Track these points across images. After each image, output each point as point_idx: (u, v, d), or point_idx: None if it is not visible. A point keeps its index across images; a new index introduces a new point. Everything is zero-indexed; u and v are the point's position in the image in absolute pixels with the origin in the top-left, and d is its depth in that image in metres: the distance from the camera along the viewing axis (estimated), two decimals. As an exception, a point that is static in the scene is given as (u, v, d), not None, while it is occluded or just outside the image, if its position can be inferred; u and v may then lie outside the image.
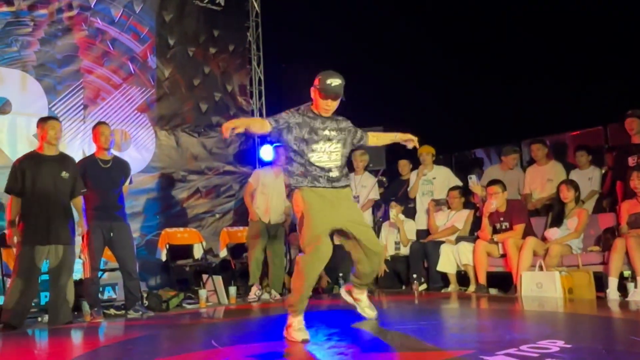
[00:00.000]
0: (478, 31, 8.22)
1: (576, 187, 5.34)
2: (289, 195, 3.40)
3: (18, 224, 4.44)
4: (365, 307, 3.73)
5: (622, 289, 4.59)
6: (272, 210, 5.95)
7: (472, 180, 6.08)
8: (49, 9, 6.20)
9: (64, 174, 4.59)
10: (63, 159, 4.71)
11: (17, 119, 5.88)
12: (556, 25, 7.72)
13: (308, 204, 3.24)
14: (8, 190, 4.49)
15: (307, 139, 3.31)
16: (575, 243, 5.14)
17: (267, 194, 5.94)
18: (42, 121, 4.67)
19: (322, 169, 3.34)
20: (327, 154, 3.36)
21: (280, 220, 6.05)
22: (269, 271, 6.03)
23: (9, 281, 4.81)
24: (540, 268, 4.97)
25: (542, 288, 4.85)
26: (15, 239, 4.40)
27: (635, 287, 4.45)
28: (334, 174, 3.38)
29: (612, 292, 4.56)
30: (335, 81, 3.29)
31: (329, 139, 3.38)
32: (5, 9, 5.90)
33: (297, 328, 3.13)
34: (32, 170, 4.47)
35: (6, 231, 4.57)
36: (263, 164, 7.45)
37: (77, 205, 4.75)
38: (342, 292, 3.81)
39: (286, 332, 3.17)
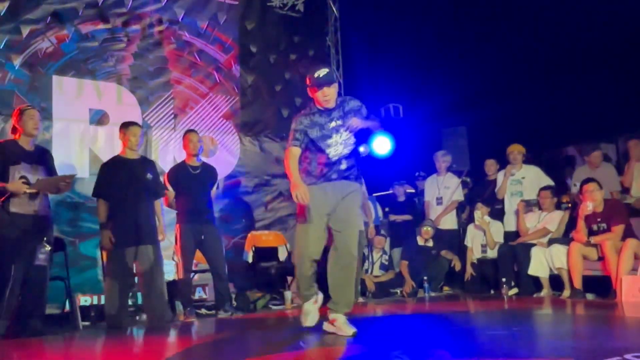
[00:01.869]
0: (569, 26, 7.82)
1: (682, 185, 4.93)
2: None
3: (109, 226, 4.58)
4: (342, 324, 3.42)
5: None
6: None
7: (577, 187, 5.74)
8: (141, 24, 6.57)
9: (148, 176, 4.75)
10: (145, 162, 4.91)
11: (114, 130, 6.23)
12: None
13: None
14: (96, 194, 4.67)
15: (319, 137, 3.43)
16: (683, 245, 4.76)
17: None
18: (124, 127, 4.81)
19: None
20: (342, 145, 3.46)
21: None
22: None
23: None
24: (644, 272, 4.63)
25: (645, 293, 4.52)
26: (109, 242, 4.51)
27: None
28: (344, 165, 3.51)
29: None
30: (322, 71, 3.38)
31: (337, 130, 3.44)
32: (101, 26, 6.30)
33: (343, 322, 3.36)
34: (118, 174, 4.64)
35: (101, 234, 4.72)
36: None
37: (157, 208, 4.86)
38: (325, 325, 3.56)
39: (331, 327, 3.37)
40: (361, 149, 7.62)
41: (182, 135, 5.57)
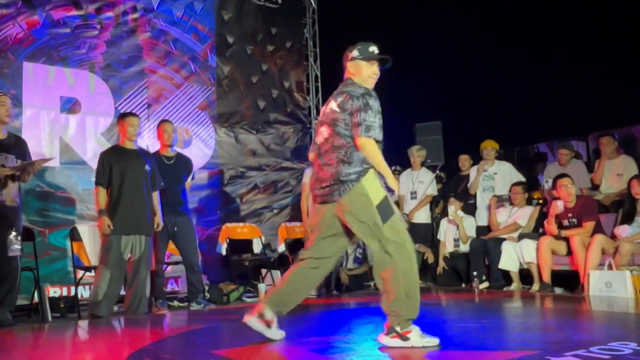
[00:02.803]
0: (542, 24, 7.93)
1: (649, 183, 5.06)
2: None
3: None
4: (276, 328, 3.04)
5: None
6: None
7: (549, 184, 5.84)
8: (114, 11, 6.45)
9: (146, 168, 4.73)
10: (143, 153, 4.88)
11: (86, 118, 6.15)
12: (621, 16, 7.34)
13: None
14: (97, 182, 4.62)
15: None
16: (648, 241, 4.89)
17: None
18: (121, 117, 4.82)
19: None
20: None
21: None
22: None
23: (79, 273, 5.04)
24: (610, 267, 4.75)
25: (611, 288, 4.65)
26: (107, 228, 4.48)
27: None
28: None
29: (690, 294, 4.30)
30: (377, 48, 2.95)
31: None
32: (74, 12, 6.17)
33: (419, 334, 2.76)
34: (118, 163, 4.61)
35: (98, 221, 4.68)
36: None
37: (155, 199, 4.84)
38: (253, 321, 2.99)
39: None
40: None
41: (155, 126, 5.50)
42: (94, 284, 4.55)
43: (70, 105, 6.08)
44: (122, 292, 4.79)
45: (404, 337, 2.75)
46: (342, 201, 2.87)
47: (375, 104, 2.88)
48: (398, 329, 2.76)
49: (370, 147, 2.84)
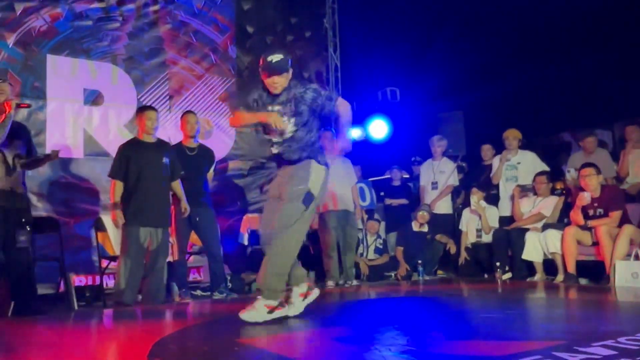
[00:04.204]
0: (565, 12, 7.76)
1: (677, 172, 4.95)
2: None
3: (122, 206, 4.61)
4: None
5: None
6: (338, 198, 5.90)
7: (571, 173, 5.76)
8: (136, 3, 6.49)
9: (165, 160, 4.77)
10: (162, 145, 4.90)
11: (109, 110, 6.21)
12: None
13: None
14: (112, 175, 4.68)
15: None
16: (676, 231, 4.79)
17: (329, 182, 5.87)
18: (140, 111, 4.87)
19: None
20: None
21: (350, 208, 5.99)
22: (342, 259, 6.03)
23: (104, 262, 5.12)
24: (636, 257, 4.67)
25: (638, 278, 4.57)
26: (120, 221, 4.57)
27: None
28: (276, 149, 3.40)
29: None
30: (276, 57, 3.26)
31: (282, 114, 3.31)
32: (96, 5, 6.23)
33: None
34: (135, 156, 4.65)
35: (111, 214, 4.78)
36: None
37: (177, 188, 4.89)
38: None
39: None
40: (357, 133, 7.62)
41: (177, 117, 5.54)
42: (116, 273, 4.63)
43: (93, 97, 6.15)
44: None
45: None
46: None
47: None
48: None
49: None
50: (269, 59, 3.26)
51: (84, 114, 6.06)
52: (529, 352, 2.30)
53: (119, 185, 4.62)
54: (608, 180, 5.89)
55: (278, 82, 3.31)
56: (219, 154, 6.63)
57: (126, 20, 6.42)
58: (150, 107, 4.93)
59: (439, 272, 6.75)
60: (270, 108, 3.37)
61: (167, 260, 5.41)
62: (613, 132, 7.55)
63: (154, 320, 3.95)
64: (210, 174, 5.37)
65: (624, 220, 5.05)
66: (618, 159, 6.09)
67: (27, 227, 4.21)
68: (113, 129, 6.22)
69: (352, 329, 3.12)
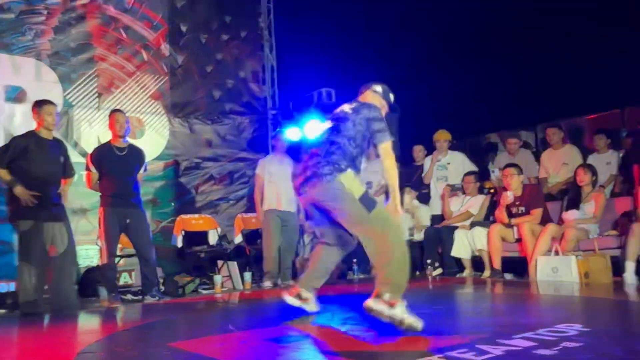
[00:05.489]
0: (491, 18, 8.10)
1: (593, 171, 5.28)
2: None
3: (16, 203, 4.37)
4: (314, 303, 3.44)
5: (640, 273, 4.56)
6: (282, 197, 5.91)
7: (496, 173, 6.02)
8: (62, -4, 6.22)
9: (61, 159, 4.60)
10: (59, 143, 4.69)
11: (33, 108, 5.91)
12: (571, 7, 7.58)
13: None
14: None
15: None
16: (592, 228, 5.10)
17: (275, 182, 5.89)
18: (37, 106, 4.54)
19: None
20: None
21: (292, 209, 6.03)
22: (282, 259, 6.03)
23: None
24: (556, 253, 4.94)
25: (557, 273, 4.83)
26: (24, 191, 4.31)
27: (653, 271, 4.42)
28: None
29: (629, 276, 4.52)
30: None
31: None
32: (18, -3, 5.93)
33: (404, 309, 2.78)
34: (32, 149, 4.42)
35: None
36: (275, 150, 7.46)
37: (66, 187, 4.69)
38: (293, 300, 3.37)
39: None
40: (293, 133, 7.64)
41: (107, 115, 5.35)
42: (18, 282, 4.36)
43: (15, 94, 5.84)
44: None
45: (390, 306, 2.76)
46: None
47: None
48: (387, 296, 2.79)
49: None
50: (391, 96, 3.49)
51: (5, 112, 5.76)
52: (454, 346, 2.39)
53: (5, 171, 4.37)
54: (531, 179, 6.21)
55: None
56: (151, 154, 6.48)
57: (52, 14, 6.15)
58: (48, 101, 4.64)
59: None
60: None
61: (96, 264, 5.25)
62: (536, 133, 7.95)
63: (81, 327, 3.81)
64: (141, 174, 5.22)
65: (545, 217, 5.33)
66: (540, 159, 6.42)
67: None
68: (37, 127, 5.92)
69: (286, 329, 3.13)
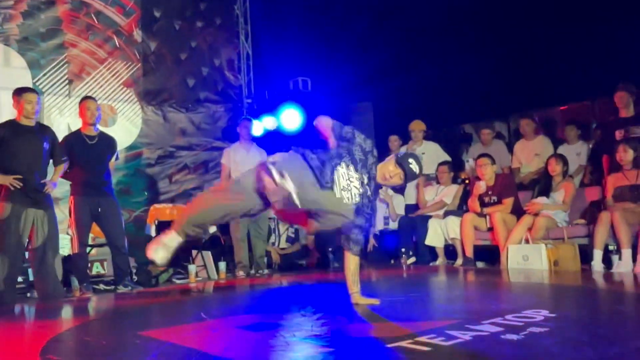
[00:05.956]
0: (466, 9, 8.14)
1: (564, 161, 5.37)
2: None
3: None
4: None
5: (607, 261, 4.66)
6: None
7: (470, 163, 6.08)
8: (30, -20, 6.06)
9: (46, 146, 4.52)
10: (42, 129, 4.63)
11: (1, 95, 5.77)
12: (542, 1, 7.66)
13: None
14: None
15: None
16: (561, 216, 5.19)
17: (242, 171, 5.78)
18: (17, 94, 4.50)
19: None
20: None
21: None
22: (253, 248, 6.00)
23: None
24: (527, 241, 5.02)
25: (528, 261, 4.92)
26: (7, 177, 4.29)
27: (620, 259, 4.52)
28: None
29: (597, 264, 4.62)
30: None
31: None
32: (-15, -20, 5.76)
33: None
34: (12, 139, 4.36)
35: None
36: (254, 139, 7.41)
37: (56, 173, 4.65)
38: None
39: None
40: (269, 122, 7.60)
41: (77, 103, 5.25)
42: None
43: (-18, 80, 5.69)
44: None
45: None
46: None
47: None
48: None
49: None
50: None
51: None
52: (424, 331, 2.42)
53: None
54: (504, 169, 6.30)
55: None
56: (123, 142, 6.38)
57: (20, -2, 5.98)
58: (29, 89, 4.62)
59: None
60: None
61: (67, 254, 5.16)
62: (509, 124, 8.05)
63: (51, 317, 3.75)
64: (113, 163, 5.14)
65: (516, 206, 5.42)
66: (513, 150, 6.51)
67: None
68: (6, 114, 5.75)
69: (259, 317, 3.13)
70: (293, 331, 2.63)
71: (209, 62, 7.59)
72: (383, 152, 7.28)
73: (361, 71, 8.38)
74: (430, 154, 6.57)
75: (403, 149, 6.74)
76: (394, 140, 7.01)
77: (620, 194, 4.88)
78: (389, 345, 2.21)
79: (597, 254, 4.65)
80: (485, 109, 8.04)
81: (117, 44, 6.70)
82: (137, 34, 6.90)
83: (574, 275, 4.52)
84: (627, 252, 4.47)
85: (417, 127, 6.63)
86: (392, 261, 6.38)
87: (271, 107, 7.84)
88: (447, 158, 6.54)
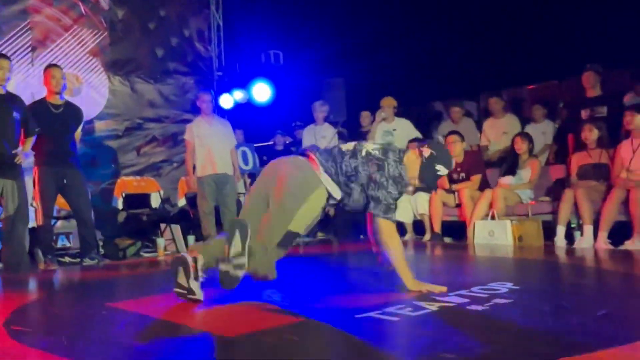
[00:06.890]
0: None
1: (530, 140, 5.47)
2: None
3: None
4: None
5: (569, 237, 4.80)
6: (216, 160, 5.66)
7: (439, 140, 6.13)
8: (-11, -59, 5.80)
9: (15, 114, 4.37)
10: (12, 98, 4.47)
11: (-41, 60, 5.54)
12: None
13: None
14: None
15: None
16: (526, 193, 5.31)
17: (206, 145, 5.62)
18: None
19: None
20: None
21: (229, 171, 5.80)
22: (223, 222, 5.93)
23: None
24: (492, 217, 5.13)
25: (494, 236, 5.03)
26: None
27: (582, 235, 4.66)
28: None
29: (560, 240, 4.76)
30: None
31: None
32: (-60, -61, 5.48)
33: None
34: None
35: None
36: (221, 112, 7.32)
37: (27, 145, 4.53)
38: None
39: None
40: (240, 95, 7.51)
41: (41, 71, 5.08)
42: None
43: (-62, 45, 5.45)
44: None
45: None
46: None
47: None
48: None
49: None
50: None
51: None
52: (392, 302, 2.46)
53: None
54: (473, 147, 6.38)
55: None
56: (89, 113, 6.21)
57: (-22, -40, 5.72)
58: (1, 55, 4.44)
59: (319, 234, 6.94)
60: None
61: (32, 226, 5.04)
62: (478, 103, 8.14)
63: (14, 289, 3.68)
64: (78, 133, 5.00)
65: (484, 183, 5.51)
66: (482, 128, 6.59)
67: None
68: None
69: (224, 290, 3.12)
70: (262, 302, 2.64)
71: (179, 32, 7.42)
72: (354, 127, 7.32)
73: (334, 47, 8.31)
74: (401, 130, 6.60)
75: (374, 125, 6.73)
76: (365, 116, 7.02)
77: (584, 172, 5.01)
78: (357, 316, 2.24)
79: (560, 230, 4.79)
80: (455, 87, 8.10)
81: (83, 11, 6.48)
82: (104, 1, 6.68)
83: (537, 250, 4.64)
84: (588, 229, 4.60)
85: (388, 103, 6.63)
86: (362, 237, 6.43)
87: (242, 80, 7.74)
88: (418, 135, 6.57)
